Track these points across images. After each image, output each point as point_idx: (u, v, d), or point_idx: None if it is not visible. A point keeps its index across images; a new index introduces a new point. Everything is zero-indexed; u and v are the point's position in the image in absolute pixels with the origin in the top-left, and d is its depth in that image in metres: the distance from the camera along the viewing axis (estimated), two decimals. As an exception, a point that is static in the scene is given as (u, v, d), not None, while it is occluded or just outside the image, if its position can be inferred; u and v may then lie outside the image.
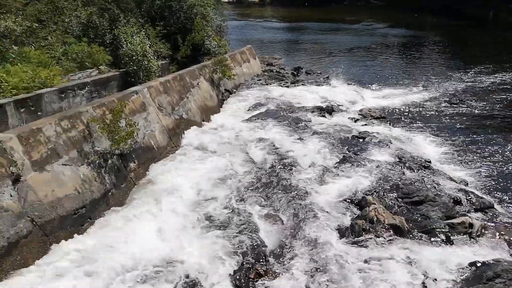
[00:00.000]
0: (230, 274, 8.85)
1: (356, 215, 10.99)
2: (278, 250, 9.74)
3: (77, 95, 13.44)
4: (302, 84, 26.38)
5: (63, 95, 12.80)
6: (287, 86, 25.46)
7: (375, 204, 11.04)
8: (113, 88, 15.40)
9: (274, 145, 15.61)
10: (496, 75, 29.17)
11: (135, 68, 16.27)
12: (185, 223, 10.68)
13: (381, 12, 68.33)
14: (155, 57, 18.10)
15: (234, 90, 23.56)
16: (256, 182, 12.88)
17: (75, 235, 9.76)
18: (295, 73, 30.20)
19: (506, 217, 11.78)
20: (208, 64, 21.25)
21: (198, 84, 19.13)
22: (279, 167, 13.89)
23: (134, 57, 16.25)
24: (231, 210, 11.26)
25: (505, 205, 12.58)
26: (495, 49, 39.67)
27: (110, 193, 11.27)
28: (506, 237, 10.69)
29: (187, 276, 8.68)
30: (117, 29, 17.26)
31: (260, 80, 26.77)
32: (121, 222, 10.50)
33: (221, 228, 10.44)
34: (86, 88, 13.85)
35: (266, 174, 13.41)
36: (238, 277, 8.69)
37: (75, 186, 10.16)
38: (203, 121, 18.20)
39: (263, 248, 9.69)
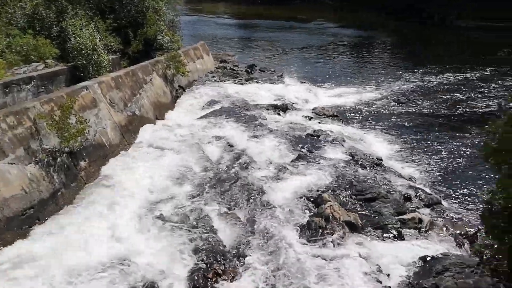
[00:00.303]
0: (188, 274, 8.70)
1: (313, 213, 11.10)
2: (236, 248, 9.67)
3: (23, 90, 12.77)
4: (257, 82, 26.42)
5: (7, 90, 12.11)
6: (242, 84, 25.42)
7: (330, 201, 11.20)
8: (61, 83, 14.74)
9: (230, 143, 15.54)
10: (442, 76, 30.37)
11: (84, 62, 15.63)
12: (139, 223, 10.40)
13: (334, 12, 69.53)
14: (106, 52, 17.51)
15: (188, 86, 23.22)
16: (212, 180, 12.74)
17: (23, 237, 9.27)
18: (249, 70, 30.17)
19: (452, 213, 12.29)
20: (161, 60, 20.82)
21: (151, 80, 18.70)
22: (235, 164, 13.82)
23: (83, 51, 15.61)
24: (187, 209, 11.07)
25: (451, 201, 13.12)
26: (445, 50, 41.27)
27: (59, 193, 10.79)
28: (452, 232, 11.15)
29: (144, 278, 8.45)
30: (64, 21, 16.53)
31: (214, 77, 26.57)
32: (71, 223, 10.06)
33: (178, 228, 10.24)
34: (32, 82, 13.18)
35: (222, 172, 13.31)
36: (196, 277, 8.55)
37: (22, 185, 9.65)
38: (157, 118, 17.82)
39: (221, 247, 9.59)
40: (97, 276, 8.54)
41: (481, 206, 12.58)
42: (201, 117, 18.42)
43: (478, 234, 11.10)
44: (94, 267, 8.72)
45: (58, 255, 8.82)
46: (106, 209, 10.72)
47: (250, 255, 9.38)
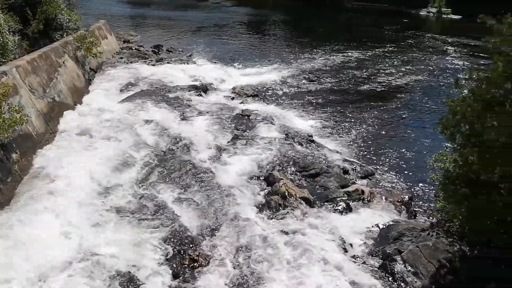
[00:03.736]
0: (163, 263, 8.47)
1: (268, 191, 11.34)
2: (204, 233, 9.61)
3: None
4: (168, 63, 25.73)
5: None
6: (153, 65, 24.56)
7: (283, 179, 11.53)
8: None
9: (162, 127, 15.08)
10: (344, 53, 32.18)
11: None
12: (92, 216, 9.79)
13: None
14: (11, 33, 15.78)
15: (98, 68, 21.90)
16: (157, 165, 12.36)
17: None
18: (156, 51, 29.24)
19: (386, 182, 13.37)
20: (70, 41, 19.31)
21: (64, 63, 17.32)
22: (175, 148, 13.53)
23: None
24: (140, 197, 10.67)
25: (383, 171, 14.22)
26: (337, 28, 43.63)
27: (-5, 190, 9.73)
28: (391, 200, 12.14)
29: (119, 272, 8.05)
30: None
31: (122, 58, 25.37)
32: (16, 222, 9.15)
33: (137, 218, 9.83)
34: None
35: (165, 156, 12.95)
36: (174, 265, 8.38)
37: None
38: (75, 103, 16.62)
39: (188, 233, 9.45)
40: (61, 276, 7.95)
41: (408, 173, 13.93)
42: (123, 101, 17.58)
43: (412, 201, 12.31)
44: (57, 267, 8.11)
45: (14, 259, 8.03)
46: (51, 204, 9.91)
47: (219, 238, 9.38)
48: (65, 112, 15.12)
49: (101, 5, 45.69)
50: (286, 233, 9.63)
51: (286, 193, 10.89)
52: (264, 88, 23.27)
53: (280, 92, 22.68)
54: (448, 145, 8.75)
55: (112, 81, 20.39)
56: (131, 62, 24.44)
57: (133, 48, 28.99)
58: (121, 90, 19.20)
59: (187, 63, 25.98)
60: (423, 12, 57.50)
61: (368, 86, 24.52)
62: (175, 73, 22.96)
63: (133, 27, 37.74)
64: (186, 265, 8.49)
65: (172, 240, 9.12)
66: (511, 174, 7.20)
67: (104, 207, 10.13)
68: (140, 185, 11.34)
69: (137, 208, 10.20)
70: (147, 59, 25.69)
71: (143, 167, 12.19)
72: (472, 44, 36.06)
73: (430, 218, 10.32)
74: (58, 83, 15.69)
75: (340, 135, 17.10)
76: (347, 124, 18.45)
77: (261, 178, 12.09)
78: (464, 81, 8.31)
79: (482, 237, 7.94)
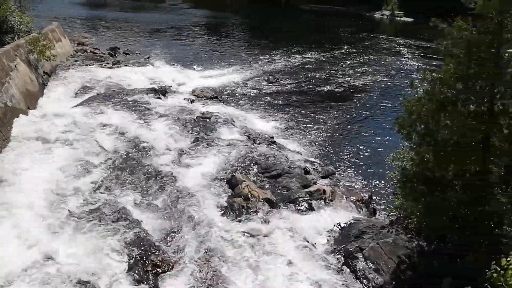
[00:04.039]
0: (125, 270, 8.30)
1: (231, 193, 11.32)
2: (166, 237, 9.48)
3: None
4: (125, 65, 25.26)
5: None
6: (110, 68, 24.09)
7: (245, 181, 11.54)
8: None
9: (120, 131, 14.79)
10: (303, 55, 32.55)
11: None
12: (50, 223, 9.49)
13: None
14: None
15: (53, 72, 21.24)
16: (116, 170, 12.12)
17: None
18: (113, 53, 28.64)
19: (346, 181, 13.65)
20: (22, 44, 18.62)
21: (16, 66, 16.68)
22: (134, 152, 13.29)
23: None
24: (100, 203, 10.41)
25: (343, 170, 14.49)
26: (295, 30, 44.12)
27: None
28: (351, 198, 12.38)
29: (79, 281, 7.83)
30: None
31: (77, 61, 24.71)
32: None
33: (96, 224, 9.59)
34: None
35: (124, 161, 12.70)
36: (136, 272, 8.21)
37: None
38: (29, 108, 16.04)
39: (150, 239, 9.30)
40: (18, 285, 7.69)
41: (368, 171, 14.26)
42: (79, 105, 17.12)
43: (371, 199, 12.62)
44: (14, 275, 7.83)
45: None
46: (7, 212, 9.57)
47: (182, 242, 9.28)
48: (18, 118, 14.57)
49: (54, 7, 44.38)
50: (250, 235, 9.66)
51: (249, 195, 10.90)
52: (225, 90, 23.24)
53: (241, 94, 22.71)
54: (406, 144, 9.00)
55: (67, 84, 19.87)
56: (87, 65, 23.87)
57: (88, 51, 28.31)
58: (76, 94, 18.74)
59: (145, 66, 25.62)
60: (377, 15, 59.05)
61: (327, 87, 24.92)
62: (133, 76, 22.62)
63: (87, 29, 36.88)
64: (149, 271, 8.34)
65: (133, 246, 8.94)
66: (464, 172, 7.50)
67: (62, 214, 9.84)
68: (99, 190, 11.08)
69: (96, 214, 9.96)
70: (103, 62, 25.13)
71: (102, 172, 11.92)
72: (424, 45, 37.27)
73: (389, 215, 10.60)
74: (10, 88, 15.10)
75: (301, 136, 17.30)
76: (307, 124, 18.68)
77: (223, 180, 12.05)
78: (418, 82, 8.59)
79: (438, 233, 8.24)
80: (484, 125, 7.32)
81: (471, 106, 7.62)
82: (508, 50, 7.27)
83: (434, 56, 28.45)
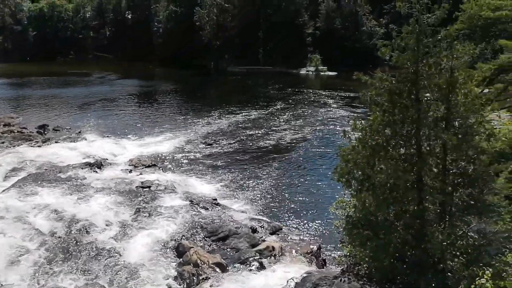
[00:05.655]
0: None
1: (179, 262, 10.97)
2: (115, 319, 8.92)
3: None
4: (56, 142, 24.59)
5: None
6: (39, 146, 23.29)
7: (193, 247, 11.27)
8: None
9: (56, 210, 14.13)
10: (237, 114, 33.14)
11: None
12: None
13: (111, 65, 68.77)
14: None
15: (-23, 156, 20.18)
16: (55, 254, 11.43)
17: None
18: (42, 131, 27.76)
19: (294, 235, 13.68)
20: None
21: None
22: (73, 232, 12.68)
23: None
24: (40, 291, 9.70)
25: (289, 224, 14.55)
26: (226, 92, 45.15)
27: None
28: (301, 252, 12.40)
29: None
30: None
31: (4, 142, 23.72)
32: None
33: (36, 315, 8.89)
34: None
35: (63, 242, 12.04)
36: None
37: None
38: (-48, 197, 15.00)
39: (98, 322, 8.71)
40: None
41: (314, 222, 14.41)
42: (9, 188, 16.26)
43: (320, 250, 12.70)
44: None
45: None
46: None
47: (133, 322, 8.77)
48: None
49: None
50: (204, 303, 9.32)
51: (198, 261, 10.64)
52: (163, 157, 23.03)
53: (180, 159, 22.59)
54: (346, 191, 9.27)
55: (-6, 168, 18.84)
56: (14, 146, 23.02)
57: (15, 131, 27.26)
58: (5, 177, 17.80)
59: (78, 141, 25.06)
60: (303, 71, 61.90)
61: (265, 142, 25.44)
62: (65, 152, 21.99)
63: (13, 109, 35.73)
64: None
65: (80, 333, 8.33)
66: (404, 212, 7.80)
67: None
68: (39, 278, 10.34)
69: (35, 305, 9.23)
70: (32, 141, 24.29)
71: (39, 259, 11.19)
72: (350, 96, 39.32)
73: (340, 264, 10.67)
74: None
75: (244, 194, 17.32)
76: (249, 182, 18.78)
77: (170, 248, 11.72)
78: (350, 131, 9.01)
79: (388, 276, 8.38)
80: (414, 166, 7.74)
81: (401, 149, 8.06)
82: (425, 95, 7.88)
83: (360, 106, 30.00)
